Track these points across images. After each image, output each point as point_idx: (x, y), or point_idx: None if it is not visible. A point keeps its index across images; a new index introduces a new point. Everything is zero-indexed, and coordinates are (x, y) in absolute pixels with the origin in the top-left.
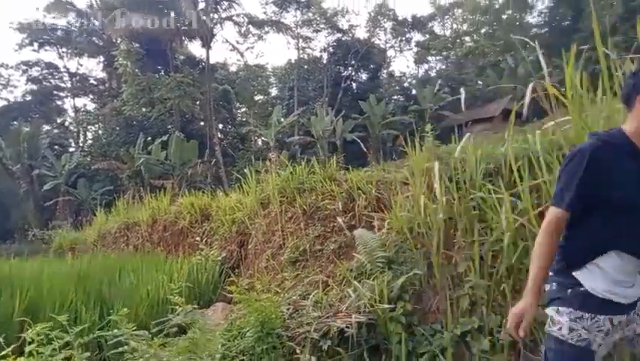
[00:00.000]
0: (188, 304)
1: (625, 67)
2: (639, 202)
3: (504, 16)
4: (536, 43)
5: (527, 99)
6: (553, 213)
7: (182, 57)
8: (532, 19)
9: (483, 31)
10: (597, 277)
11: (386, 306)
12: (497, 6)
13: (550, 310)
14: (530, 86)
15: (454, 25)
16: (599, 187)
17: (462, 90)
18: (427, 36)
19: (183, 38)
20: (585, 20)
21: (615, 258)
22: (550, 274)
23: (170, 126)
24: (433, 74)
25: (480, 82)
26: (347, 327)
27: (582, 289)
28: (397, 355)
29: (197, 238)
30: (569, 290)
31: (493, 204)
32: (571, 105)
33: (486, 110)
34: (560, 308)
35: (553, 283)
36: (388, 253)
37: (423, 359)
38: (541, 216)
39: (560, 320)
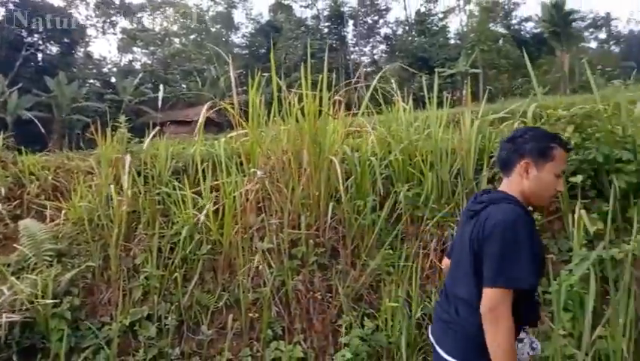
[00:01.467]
0: None
1: (291, 97)
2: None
3: (213, 29)
4: (230, 62)
5: (202, 115)
6: (506, 296)
7: None
8: (236, 39)
9: (192, 37)
10: None
11: (49, 301)
12: (207, 17)
13: None
14: (207, 104)
15: (165, 23)
16: (538, 259)
17: (161, 87)
18: (135, 25)
19: None
20: (276, 53)
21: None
22: None
23: None
24: (137, 66)
25: (184, 85)
26: None
27: None
28: (57, 353)
29: None
30: None
31: (177, 200)
32: (250, 121)
33: (187, 114)
34: None
35: None
36: (60, 246)
37: (85, 353)
38: (217, 212)
39: None
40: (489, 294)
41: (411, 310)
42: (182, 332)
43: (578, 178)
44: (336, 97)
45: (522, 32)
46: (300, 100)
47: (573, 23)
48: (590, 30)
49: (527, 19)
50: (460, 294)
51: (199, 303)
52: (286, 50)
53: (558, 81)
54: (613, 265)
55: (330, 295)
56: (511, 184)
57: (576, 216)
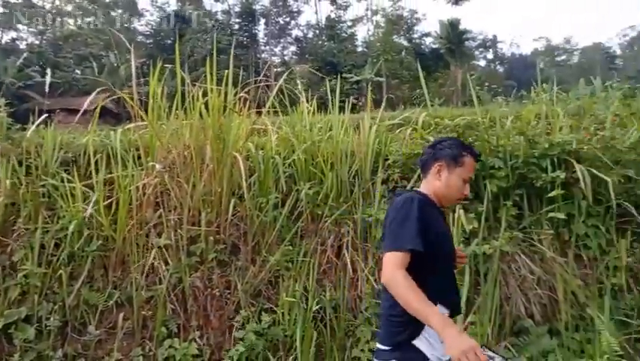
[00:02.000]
0: None
1: (195, 91)
2: (452, 258)
3: (114, 13)
4: (132, 50)
5: (88, 100)
6: (399, 257)
7: None
8: (140, 26)
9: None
10: (434, 339)
11: None
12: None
13: None
14: (97, 90)
15: (57, 2)
16: (430, 236)
17: (49, 71)
18: (21, 0)
19: None
20: (183, 45)
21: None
22: (385, 348)
23: None
24: (22, 45)
25: (79, 71)
26: None
27: None
28: None
29: None
30: None
31: (65, 193)
32: (150, 113)
33: (80, 102)
34: None
35: None
36: None
37: None
38: (110, 207)
39: None
40: (383, 261)
41: (307, 305)
42: (66, 333)
43: None
44: (242, 94)
45: (422, 46)
46: (205, 95)
47: (466, 42)
48: (480, 50)
49: (427, 35)
50: (381, 282)
51: (86, 302)
52: (194, 43)
53: (452, 94)
54: (484, 259)
55: (228, 291)
56: (427, 184)
57: (456, 215)
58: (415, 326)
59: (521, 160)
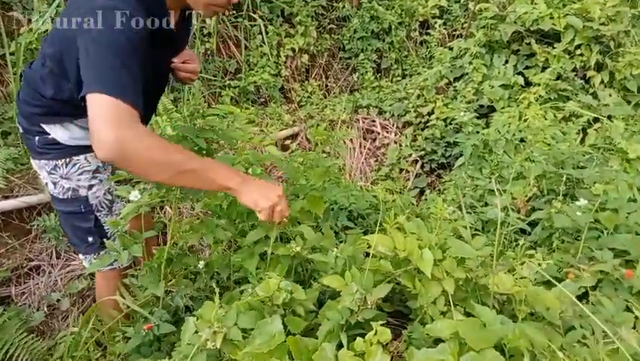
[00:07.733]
0: None
1: None
2: (157, 87)
3: None
4: None
5: None
6: (122, 109)
7: None
8: None
9: None
10: (71, 131)
11: None
12: None
13: (33, 162)
14: None
15: None
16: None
17: None
18: None
19: None
20: None
21: None
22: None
23: None
24: None
25: None
26: None
27: (50, 137)
28: None
29: None
30: (36, 138)
31: None
32: None
33: None
34: (36, 161)
35: (20, 126)
36: None
37: None
38: None
39: (41, 174)
40: (94, 111)
41: None
42: None
43: None
44: None
45: None
46: None
47: None
48: None
49: None
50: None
51: None
52: None
53: None
54: None
55: None
56: None
57: None
58: (55, 114)
59: None
